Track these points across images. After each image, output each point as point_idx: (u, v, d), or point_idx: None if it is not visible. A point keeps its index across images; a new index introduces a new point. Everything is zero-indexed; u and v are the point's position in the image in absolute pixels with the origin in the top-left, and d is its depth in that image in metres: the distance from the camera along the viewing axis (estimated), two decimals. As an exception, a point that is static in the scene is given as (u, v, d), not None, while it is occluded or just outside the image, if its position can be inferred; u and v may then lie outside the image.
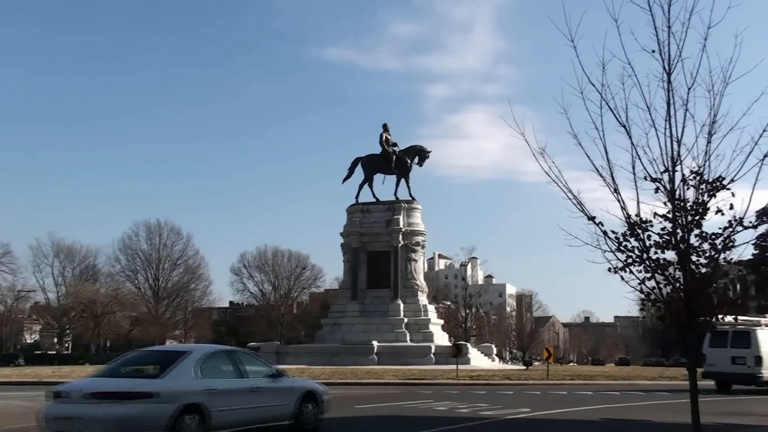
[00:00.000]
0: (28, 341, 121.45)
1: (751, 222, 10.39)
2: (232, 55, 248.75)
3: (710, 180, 10.34)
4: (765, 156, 10.14)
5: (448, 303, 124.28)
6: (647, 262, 10.66)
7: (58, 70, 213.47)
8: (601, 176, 10.92)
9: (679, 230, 10.46)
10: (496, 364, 61.98)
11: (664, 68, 10.49)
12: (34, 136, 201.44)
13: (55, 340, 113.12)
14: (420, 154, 63.84)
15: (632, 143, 10.75)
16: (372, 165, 64.17)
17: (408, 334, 57.31)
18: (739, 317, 23.63)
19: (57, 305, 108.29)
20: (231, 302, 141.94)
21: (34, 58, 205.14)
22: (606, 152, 10.91)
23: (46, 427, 14.18)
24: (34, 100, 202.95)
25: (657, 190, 10.64)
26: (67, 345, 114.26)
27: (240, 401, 15.22)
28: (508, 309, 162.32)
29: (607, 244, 10.92)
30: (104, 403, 13.45)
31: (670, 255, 10.63)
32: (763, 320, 33.19)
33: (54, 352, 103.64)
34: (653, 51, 10.53)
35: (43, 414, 14.24)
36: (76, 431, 13.56)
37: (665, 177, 10.57)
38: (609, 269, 10.98)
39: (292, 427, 16.39)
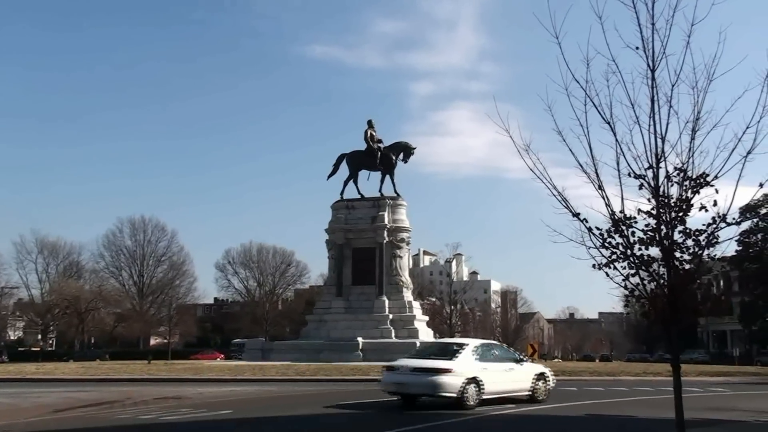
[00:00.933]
0: (12, 338, 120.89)
1: (734, 219, 10.41)
2: (215, 53, 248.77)
3: (694, 176, 10.33)
4: (748, 153, 10.16)
5: (433, 299, 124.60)
6: (631, 258, 10.67)
7: (43, 66, 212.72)
8: (586, 173, 10.92)
9: (663, 227, 10.47)
10: (481, 361, 62.03)
11: (648, 65, 10.49)
12: (16, 133, 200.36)
13: (39, 336, 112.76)
14: (405, 150, 63.75)
15: (616, 140, 10.75)
16: (357, 161, 64.04)
17: (393, 331, 57.24)
18: None
19: (41, 302, 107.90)
20: (216, 299, 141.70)
21: (25, 57, 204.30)
22: (590, 149, 10.91)
23: (385, 390, 22.98)
24: (14, 96, 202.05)
25: (641, 186, 10.65)
26: (51, 342, 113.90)
27: (499, 377, 22.58)
28: (493, 305, 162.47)
29: (591, 240, 10.92)
30: (423, 374, 21.48)
31: (654, 251, 10.64)
32: None
33: (38, 349, 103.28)
34: (637, 48, 10.52)
35: (382, 380, 23.10)
36: (405, 391, 22.21)
37: (649, 173, 10.57)
38: (593, 265, 10.98)
39: (529, 397, 23.42)
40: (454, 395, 21.17)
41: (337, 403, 23.56)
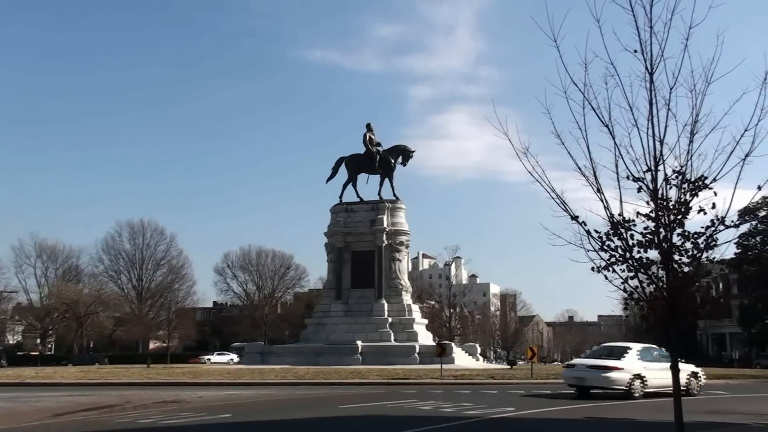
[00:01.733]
0: (11, 342, 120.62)
1: (733, 221, 10.42)
2: (214, 56, 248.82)
3: (692, 179, 10.34)
4: (746, 155, 10.17)
5: (433, 302, 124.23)
6: (630, 261, 10.67)
7: (42, 69, 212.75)
8: (584, 176, 10.93)
9: (661, 229, 10.48)
10: (481, 364, 62.06)
11: (646, 68, 10.51)
12: (15, 136, 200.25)
13: (38, 340, 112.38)
14: (404, 153, 63.79)
15: (615, 143, 10.76)
16: (356, 165, 64.10)
17: (392, 334, 57.25)
18: None
19: (40, 306, 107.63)
20: (215, 302, 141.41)
21: (24, 60, 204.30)
22: (589, 152, 10.91)
23: (565, 383, 28.43)
24: (13, 99, 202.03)
25: (640, 189, 10.65)
26: (50, 346, 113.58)
27: (658, 374, 25.63)
28: (492, 308, 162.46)
29: (590, 243, 10.93)
30: (597, 371, 26.58)
31: (653, 254, 10.66)
32: None
33: (37, 353, 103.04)
34: (635, 51, 10.54)
35: (563, 375, 29.27)
36: (582, 384, 27.31)
37: (648, 176, 10.58)
38: (592, 268, 10.99)
39: (684, 392, 24.56)
40: (623, 388, 26.28)
41: (336, 405, 23.58)
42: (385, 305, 59.17)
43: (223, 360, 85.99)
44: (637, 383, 26.40)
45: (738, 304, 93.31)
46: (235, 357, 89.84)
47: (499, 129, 11.18)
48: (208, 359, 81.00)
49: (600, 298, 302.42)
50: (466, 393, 29.54)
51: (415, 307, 63.60)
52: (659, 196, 10.52)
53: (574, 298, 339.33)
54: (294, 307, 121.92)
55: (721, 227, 10.33)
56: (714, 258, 10.90)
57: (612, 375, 26.21)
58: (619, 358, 27.03)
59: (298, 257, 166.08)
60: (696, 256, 10.49)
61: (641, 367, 26.82)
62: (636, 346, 29.07)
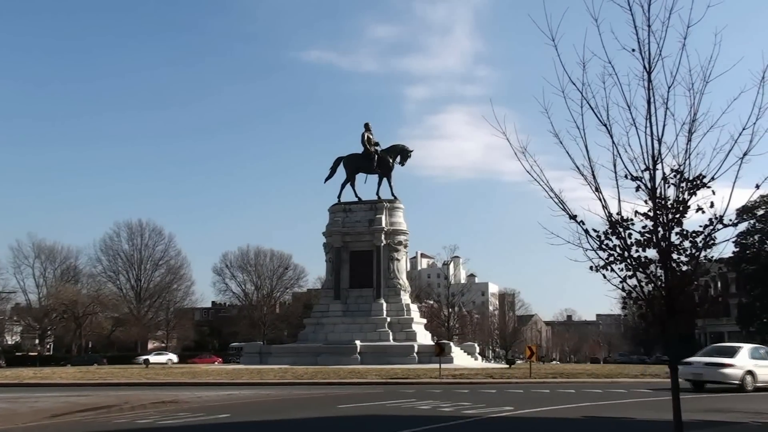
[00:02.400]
0: (9, 343, 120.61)
1: (731, 220, 10.40)
2: (211, 57, 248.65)
3: (691, 178, 10.33)
4: (744, 154, 10.16)
5: (431, 302, 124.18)
6: (629, 260, 10.65)
7: (41, 71, 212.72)
8: (583, 175, 10.91)
9: (660, 228, 10.46)
10: (479, 363, 62.03)
11: (644, 67, 10.48)
12: (13, 137, 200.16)
13: (37, 341, 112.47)
14: (402, 153, 63.80)
15: (613, 142, 10.74)
16: (354, 164, 64.10)
17: (391, 334, 57.26)
18: None
19: (38, 306, 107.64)
20: (213, 302, 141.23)
21: (24, 62, 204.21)
22: (587, 151, 10.89)
23: (683, 378, 26.61)
24: (12, 100, 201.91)
25: (638, 188, 10.64)
26: (48, 346, 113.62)
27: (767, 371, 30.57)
28: (490, 308, 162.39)
29: (588, 242, 10.91)
30: (713, 368, 29.64)
31: (652, 253, 10.63)
32: None
33: (35, 354, 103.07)
34: (633, 50, 10.51)
35: (680, 371, 27.58)
36: (699, 379, 29.74)
37: (646, 175, 10.56)
38: (591, 268, 10.97)
39: None
40: (736, 383, 29.31)
41: (335, 405, 23.57)
42: (384, 305, 59.16)
43: (161, 360, 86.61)
44: (749, 378, 29.62)
45: (736, 303, 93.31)
46: (174, 357, 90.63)
47: (497, 129, 11.17)
48: (146, 359, 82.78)
49: (598, 297, 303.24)
50: (464, 392, 29.52)
51: (414, 307, 63.59)
52: (657, 195, 10.50)
53: (573, 298, 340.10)
54: (292, 307, 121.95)
55: (720, 226, 10.32)
56: (712, 257, 10.89)
57: (727, 371, 29.33)
58: (732, 356, 30.31)
59: (296, 257, 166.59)
60: (694, 255, 10.47)
61: (752, 364, 30.15)
62: (747, 346, 32.84)
